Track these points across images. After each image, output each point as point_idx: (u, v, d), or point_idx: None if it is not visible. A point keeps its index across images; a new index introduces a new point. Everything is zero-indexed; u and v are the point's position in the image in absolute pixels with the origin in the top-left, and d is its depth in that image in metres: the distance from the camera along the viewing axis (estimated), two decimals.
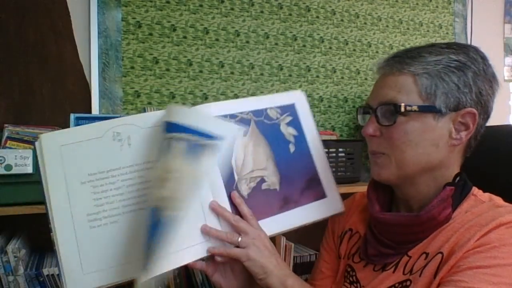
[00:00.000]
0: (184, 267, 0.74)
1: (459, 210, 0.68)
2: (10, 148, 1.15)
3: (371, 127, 0.71)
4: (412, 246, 0.69)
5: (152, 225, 0.66)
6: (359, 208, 0.84)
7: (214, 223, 0.72)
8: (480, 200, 0.69)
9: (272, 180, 0.79)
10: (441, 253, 0.64)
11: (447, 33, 2.10)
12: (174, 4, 1.58)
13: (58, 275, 1.08)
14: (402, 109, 0.67)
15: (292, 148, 0.82)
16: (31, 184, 1.04)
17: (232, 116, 0.79)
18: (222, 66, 1.65)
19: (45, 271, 1.08)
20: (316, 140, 0.84)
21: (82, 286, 0.67)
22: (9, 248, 1.05)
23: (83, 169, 0.69)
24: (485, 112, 0.70)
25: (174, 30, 1.58)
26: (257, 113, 0.81)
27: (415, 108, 0.67)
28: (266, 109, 0.82)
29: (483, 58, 0.69)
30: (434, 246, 0.66)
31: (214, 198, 0.73)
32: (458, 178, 0.70)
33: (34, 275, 1.07)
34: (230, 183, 0.76)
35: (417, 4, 2.02)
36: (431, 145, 0.68)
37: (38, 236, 1.27)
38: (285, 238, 1.39)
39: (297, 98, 0.85)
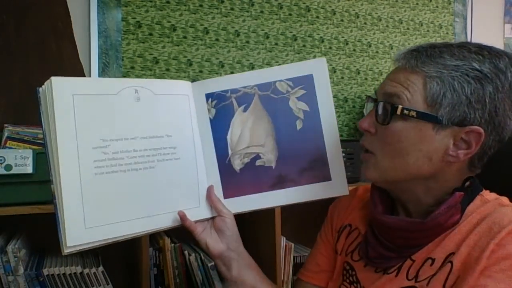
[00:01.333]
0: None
1: (467, 213, 0.64)
2: (10, 148, 1.15)
3: (367, 121, 0.67)
4: (415, 250, 0.65)
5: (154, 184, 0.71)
6: (360, 204, 0.80)
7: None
8: (486, 199, 0.65)
9: (268, 157, 0.78)
10: (451, 262, 0.60)
11: (447, 33, 2.10)
12: (174, 4, 1.57)
13: (58, 275, 1.09)
14: (398, 112, 0.61)
15: (299, 124, 0.78)
16: (31, 184, 1.04)
17: (234, 91, 0.78)
18: (222, 66, 1.65)
19: (45, 271, 1.08)
20: (332, 117, 0.78)
21: (82, 241, 0.65)
22: (9, 248, 1.05)
23: (95, 131, 0.68)
24: (498, 134, 0.62)
25: (174, 30, 1.58)
26: (263, 86, 0.78)
27: (412, 113, 0.61)
28: (275, 82, 0.78)
29: None
30: (440, 252, 0.62)
31: (207, 169, 0.78)
32: (467, 183, 0.65)
33: (34, 275, 1.07)
34: (224, 157, 0.78)
35: (417, 4, 2.02)
36: (424, 157, 0.62)
37: (38, 236, 1.27)
38: (285, 238, 1.39)
39: (318, 68, 0.79)
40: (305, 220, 1.59)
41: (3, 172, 1.00)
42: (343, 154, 1.51)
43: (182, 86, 0.78)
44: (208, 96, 0.79)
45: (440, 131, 0.61)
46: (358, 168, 1.57)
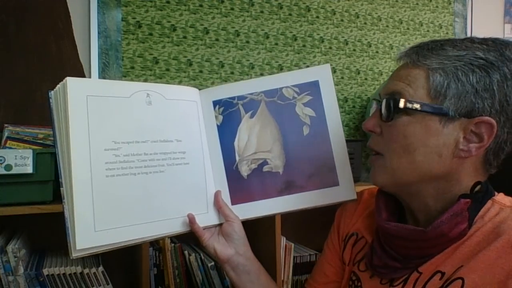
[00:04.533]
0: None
1: (477, 220, 0.58)
2: (10, 148, 1.15)
3: (372, 121, 0.64)
4: (422, 262, 0.60)
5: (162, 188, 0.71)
6: (366, 211, 0.77)
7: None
8: (500, 204, 0.59)
9: (276, 163, 0.78)
10: (461, 279, 0.55)
11: (447, 33, 2.10)
12: (174, 4, 1.57)
13: (58, 275, 1.09)
14: (401, 105, 0.58)
15: (306, 130, 0.78)
16: (31, 184, 1.04)
17: (241, 98, 0.79)
18: (222, 66, 1.65)
19: (45, 271, 1.08)
20: (338, 123, 0.78)
21: (91, 244, 0.64)
22: (9, 248, 1.05)
23: (107, 133, 0.68)
24: None
25: (174, 30, 1.58)
26: (270, 93, 0.79)
27: (416, 106, 0.57)
28: (281, 89, 0.79)
29: None
30: (450, 265, 0.57)
31: (214, 175, 0.78)
32: (477, 188, 0.60)
33: (34, 275, 1.07)
34: (231, 163, 0.78)
35: (417, 4, 2.02)
36: (433, 153, 0.58)
37: (38, 236, 1.27)
38: (285, 238, 1.39)
39: (323, 73, 0.79)
40: (305, 220, 1.59)
41: (3, 172, 1.00)
42: None
43: (190, 92, 0.79)
44: (215, 103, 0.79)
45: (448, 124, 0.58)
46: (359, 168, 1.57)
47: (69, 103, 0.65)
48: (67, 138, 0.64)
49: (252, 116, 0.79)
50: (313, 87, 0.79)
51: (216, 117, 0.79)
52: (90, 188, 0.65)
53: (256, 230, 1.34)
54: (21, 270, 1.05)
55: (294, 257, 1.42)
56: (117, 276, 1.23)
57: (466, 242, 0.57)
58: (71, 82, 0.65)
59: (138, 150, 0.70)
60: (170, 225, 0.72)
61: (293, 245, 1.42)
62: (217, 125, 0.79)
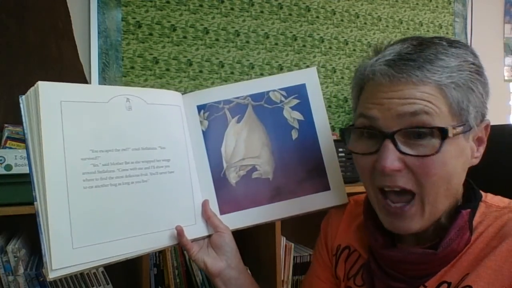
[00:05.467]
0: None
1: (477, 226, 0.56)
2: (10, 148, 1.15)
3: (395, 159, 0.53)
4: (428, 278, 0.57)
5: (146, 200, 0.66)
6: (353, 222, 0.72)
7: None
8: (494, 206, 0.58)
9: (265, 169, 0.75)
10: (470, 287, 0.53)
11: (447, 33, 2.10)
12: (174, 4, 1.57)
13: None
14: (450, 134, 0.51)
15: (295, 134, 0.76)
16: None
17: (227, 102, 0.76)
18: (222, 66, 1.65)
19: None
20: (326, 126, 0.76)
21: (69, 263, 0.59)
22: (9, 248, 1.05)
23: (84, 141, 0.63)
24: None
25: (174, 30, 1.58)
26: (257, 97, 0.76)
27: (458, 130, 0.52)
28: (268, 92, 0.76)
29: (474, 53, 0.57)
30: (456, 274, 0.55)
31: (201, 184, 0.73)
32: (466, 192, 0.59)
33: (34, 275, 1.07)
34: (218, 170, 0.75)
35: (417, 4, 2.02)
36: (463, 170, 0.55)
37: (38, 236, 1.27)
38: (285, 238, 1.39)
39: (309, 77, 0.77)
40: (305, 220, 1.59)
41: (3, 172, 1.00)
42: (343, 154, 1.53)
43: (173, 97, 0.75)
44: (200, 107, 0.76)
45: (468, 136, 0.55)
46: (355, 169, 1.56)
47: (42, 109, 0.59)
48: (40, 148, 0.59)
49: (239, 121, 0.76)
50: (300, 90, 0.77)
51: (201, 122, 0.75)
52: (67, 202, 0.60)
53: (256, 230, 1.34)
54: (21, 270, 1.05)
55: (294, 257, 1.42)
56: (117, 276, 1.23)
57: (469, 250, 0.55)
58: (43, 86, 0.60)
59: (118, 159, 0.65)
60: (155, 239, 0.67)
61: (293, 245, 1.42)
62: (203, 131, 0.75)
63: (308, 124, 0.76)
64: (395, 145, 0.53)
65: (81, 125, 0.63)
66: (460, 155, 0.54)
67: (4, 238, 1.12)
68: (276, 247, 1.24)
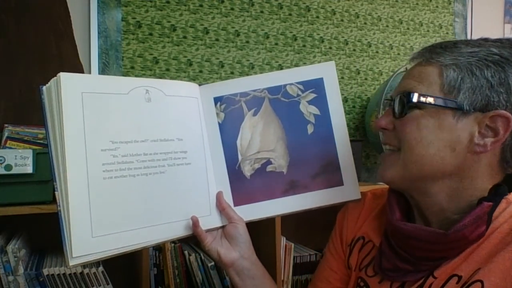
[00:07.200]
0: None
1: (493, 221, 0.57)
2: (10, 148, 1.15)
3: (384, 120, 0.64)
4: (437, 265, 0.59)
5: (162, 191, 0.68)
6: (372, 213, 0.74)
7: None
8: None
9: (280, 162, 0.76)
10: (481, 281, 0.53)
11: (447, 33, 2.10)
12: (174, 4, 1.57)
13: (58, 275, 1.09)
14: (415, 99, 0.58)
15: (310, 128, 0.77)
16: (31, 184, 1.04)
17: (243, 95, 0.76)
18: (222, 66, 1.65)
19: (45, 271, 1.08)
20: (342, 121, 0.78)
21: (89, 251, 0.60)
22: (9, 248, 1.05)
23: (104, 132, 0.64)
24: None
25: (174, 30, 1.58)
26: (274, 90, 0.76)
27: (430, 100, 0.57)
28: (285, 85, 0.76)
29: None
30: (467, 268, 0.56)
31: (216, 175, 0.74)
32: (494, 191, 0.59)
33: (34, 275, 1.07)
34: (233, 162, 0.75)
35: (417, 4, 2.01)
36: (446, 147, 0.58)
37: (38, 236, 1.27)
38: (285, 238, 1.39)
39: (327, 71, 0.78)
40: (305, 220, 1.59)
41: (3, 172, 1.00)
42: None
43: (191, 88, 0.75)
44: (216, 99, 0.76)
45: (462, 118, 0.57)
46: (359, 168, 1.57)
47: (63, 100, 0.61)
48: (61, 138, 0.60)
49: (255, 114, 0.76)
50: (317, 85, 0.77)
51: (217, 114, 0.76)
52: (87, 192, 0.61)
53: (256, 230, 1.34)
54: (21, 270, 1.05)
55: (294, 257, 1.42)
56: (117, 276, 1.23)
57: (482, 244, 0.56)
58: (64, 78, 0.61)
59: (137, 150, 0.66)
60: (171, 229, 0.69)
61: (293, 245, 1.42)
62: (219, 123, 0.76)
63: (324, 118, 0.77)
64: (393, 109, 0.62)
65: (101, 116, 0.64)
66: (442, 130, 0.58)
67: (4, 238, 1.12)
68: (276, 247, 1.24)
